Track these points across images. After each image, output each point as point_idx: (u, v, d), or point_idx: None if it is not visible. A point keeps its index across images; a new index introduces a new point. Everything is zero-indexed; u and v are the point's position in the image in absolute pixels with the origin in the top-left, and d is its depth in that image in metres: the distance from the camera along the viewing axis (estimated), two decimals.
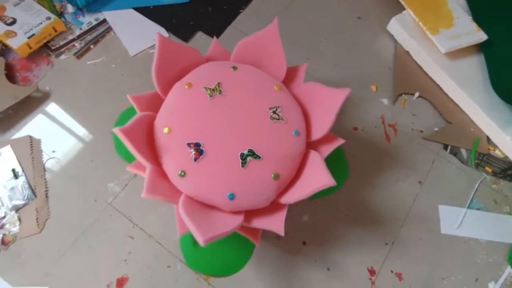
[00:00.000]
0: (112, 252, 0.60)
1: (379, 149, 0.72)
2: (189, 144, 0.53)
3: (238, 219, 0.52)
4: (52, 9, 0.77)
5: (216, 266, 0.60)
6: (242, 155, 0.53)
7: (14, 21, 0.72)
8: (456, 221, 0.68)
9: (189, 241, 0.61)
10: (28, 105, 0.69)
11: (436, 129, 0.75)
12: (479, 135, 0.75)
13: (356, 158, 0.71)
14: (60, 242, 0.60)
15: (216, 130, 0.55)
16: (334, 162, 0.70)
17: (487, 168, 0.73)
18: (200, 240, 0.45)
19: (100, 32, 0.77)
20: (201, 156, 0.53)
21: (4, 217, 0.60)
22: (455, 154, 0.74)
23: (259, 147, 0.54)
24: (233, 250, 0.61)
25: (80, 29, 0.77)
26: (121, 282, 0.58)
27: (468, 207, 0.69)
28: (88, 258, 0.59)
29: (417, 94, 0.78)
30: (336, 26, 0.85)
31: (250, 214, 0.54)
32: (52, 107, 0.70)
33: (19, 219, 0.60)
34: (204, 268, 0.60)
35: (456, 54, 0.76)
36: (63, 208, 0.62)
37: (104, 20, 0.79)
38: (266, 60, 0.63)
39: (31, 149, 0.65)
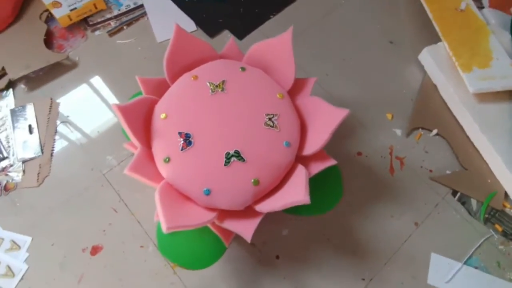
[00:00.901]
0: (95, 220, 0.63)
1: (379, 179, 0.69)
2: (180, 133, 0.55)
3: (210, 216, 0.52)
4: None
5: (185, 257, 0.61)
6: (227, 154, 0.54)
7: None
8: (448, 274, 0.62)
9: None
10: (57, 71, 0.75)
11: (448, 172, 0.70)
12: (496, 188, 0.68)
13: (353, 184, 0.68)
14: (53, 199, 0.64)
15: (209, 125, 0.56)
16: (329, 183, 0.68)
17: (497, 226, 0.66)
18: (164, 226, 0.46)
19: (135, 16, 0.82)
20: (188, 147, 0.54)
21: (11, 166, 0.66)
22: (463, 203, 0.68)
23: (246, 150, 0.54)
24: (205, 246, 0.62)
25: (119, 10, 0.83)
26: (95, 249, 0.61)
27: (465, 263, 0.63)
28: (73, 220, 0.63)
29: (435, 131, 0.73)
30: (365, 47, 0.83)
31: (224, 214, 0.55)
32: (76, 76, 0.76)
33: (23, 171, 0.65)
34: (173, 256, 0.61)
35: (485, 96, 0.71)
36: (63, 170, 0.67)
37: (141, 5, 0.84)
38: (276, 67, 0.63)
39: (49, 110, 0.71)
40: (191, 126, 0.56)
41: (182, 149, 0.54)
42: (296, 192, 0.50)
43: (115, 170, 0.67)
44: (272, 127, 0.56)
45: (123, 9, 0.83)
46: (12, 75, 0.71)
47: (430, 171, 0.70)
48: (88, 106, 0.73)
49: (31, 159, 0.66)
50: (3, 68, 0.72)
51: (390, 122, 0.75)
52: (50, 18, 0.80)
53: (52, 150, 0.68)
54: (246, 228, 0.52)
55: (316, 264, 0.61)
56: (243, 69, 0.62)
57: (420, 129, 0.74)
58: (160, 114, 0.57)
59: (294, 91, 0.63)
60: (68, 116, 0.71)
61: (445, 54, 0.76)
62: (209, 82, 0.59)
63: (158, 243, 0.62)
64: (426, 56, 0.77)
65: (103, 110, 0.73)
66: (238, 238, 0.63)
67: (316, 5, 0.88)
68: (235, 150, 0.54)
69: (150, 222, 0.63)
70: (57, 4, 0.78)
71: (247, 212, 0.54)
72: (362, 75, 0.79)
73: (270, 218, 0.64)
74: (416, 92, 0.78)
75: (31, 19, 0.78)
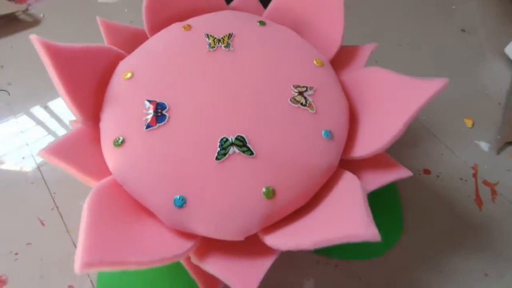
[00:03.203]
0: (7, 234, 0.40)
1: (459, 214, 0.44)
2: (149, 101, 0.33)
3: (181, 246, 0.28)
4: None
5: None
6: (223, 140, 0.31)
7: None
8: None
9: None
10: (11, 27, 0.56)
11: None
12: None
13: (418, 215, 0.43)
14: None
15: (198, 94, 0.34)
16: (382, 211, 0.43)
17: None
18: (77, 261, 0.23)
19: None
20: (158, 124, 0.32)
21: None
22: None
23: (256, 138, 0.31)
24: None
25: None
26: None
27: None
28: None
29: None
30: (428, 32, 0.61)
31: (207, 245, 0.31)
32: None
33: None
34: None
35: None
36: None
37: None
38: (314, 24, 0.42)
39: None
40: (169, 92, 0.34)
41: (147, 127, 0.32)
42: (348, 219, 0.26)
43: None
44: (305, 105, 0.34)
45: None
46: None
47: None
48: (40, 75, 0.52)
49: None
50: None
51: (470, 131, 0.51)
52: None
53: None
54: (245, 278, 0.28)
55: None
56: (262, 23, 0.41)
57: None
58: (123, 73, 0.36)
59: (340, 63, 0.41)
60: (9, 84, 0.51)
61: None
62: (207, 34, 0.38)
63: (98, 285, 0.37)
64: None
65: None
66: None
67: None
68: (238, 136, 0.31)
69: None
70: None
71: (249, 246, 0.30)
72: (424, 66, 0.57)
73: (286, 258, 0.39)
74: (505, 94, 0.55)
75: None
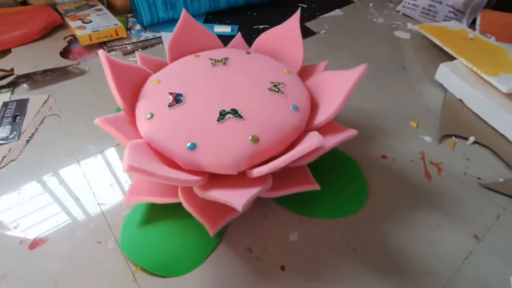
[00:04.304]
0: (48, 206, 0.49)
1: (414, 184, 0.54)
2: (170, 93, 0.48)
3: (191, 178, 0.39)
4: (125, 24, 0.92)
5: (154, 259, 0.44)
6: (222, 111, 0.45)
7: (89, 22, 0.87)
8: None
9: (134, 220, 0.48)
10: (64, 77, 0.75)
11: (501, 180, 0.55)
12: None
13: (380, 187, 0.54)
14: (15, 184, 0.53)
15: (205, 88, 0.49)
16: (351, 183, 0.54)
17: None
18: (124, 164, 0.34)
19: (152, 42, 0.87)
20: (177, 104, 0.46)
21: None
22: None
23: (245, 110, 0.45)
24: (182, 246, 0.45)
25: (138, 39, 0.88)
26: (36, 243, 0.45)
27: None
28: (28, 205, 0.50)
29: (472, 139, 0.62)
30: (379, 73, 0.81)
31: (211, 181, 0.42)
32: (81, 82, 0.74)
33: None
34: (138, 257, 0.44)
35: None
36: (34, 155, 0.57)
37: (160, 37, 0.89)
38: (284, 52, 0.60)
39: (42, 104, 0.66)
40: (185, 88, 0.49)
41: (169, 106, 0.46)
42: (306, 141, 0.38)
43: (92, 158, 0.57)
44: (278, 92, 0.49)
45: (142, 39, 0.89)
46: (17, 71, 0.70)
47: (478, 178, 0.56)
48: (83, 104, 0.69)
49: (4, 143, 0.58)
50: (12, 69, 0.72)
51: (415, 130, 0.65)
52: (73, 40, 0.86)
53: (30, 137, 0.60)
54: (236, 195, 0.38)
55: (337, 280, 0.42)
56: (248, 53, 0.59)
57: (453, 137, 0.63)
58: (152, 81, 0.52)
59: (305, 74, 0.58)
60: (60, 110, 0.66)
61: (464, 68, 0.71)
62: (210, 58, 0.56)
63: (122, 239, 0.46)
64: (445, 72, 0.73)
65: (98, 109, 0.68)
66: (229, 238, 0.46)
67: (324, 44, 0.91)
68: (232, 108, 0.45)
69: (117, 217, 0.49)
70: (82, 27, 0.85)
71: (242, 180, 0.41)
72: (378, 93, 0.74)
73: (274, 218, 0.49)
74: (440, 107, 0.70)
75: (55, 39, 0.84)
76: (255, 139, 0.42)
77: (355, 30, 0.98)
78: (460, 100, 0.70)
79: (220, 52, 0.58)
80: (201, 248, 0.45)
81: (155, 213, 0.49)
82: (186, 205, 0.44)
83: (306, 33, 0.95)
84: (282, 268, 0.43)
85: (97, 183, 0.53)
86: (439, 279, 0.43)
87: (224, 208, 0.45)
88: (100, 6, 0.95)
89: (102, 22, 0.87)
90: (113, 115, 0.46)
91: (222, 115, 0.44)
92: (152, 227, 0.47)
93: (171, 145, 0.42)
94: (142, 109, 0.47)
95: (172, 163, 0.42)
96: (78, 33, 0.82)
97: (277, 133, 0.43)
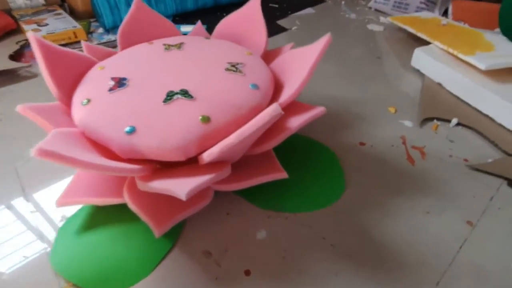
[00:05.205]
0: None
1: (396, 170, 0.49)
2: (112, 78, 0.42)
3: (129, 167, 0.33)
4: (87, 28, 0.86)
5: (90, 272, 0.36)
6: (170, 92, 0.39)
7: (46, 25, 0.81)
8: None
9: (71, 227, 0.40)
10: (13, 80, 0.68)
11: (489, 160, 0.50)
12: None
13: (358, 175, 0.48)
14: None
15: (155, 71, 0.43)
16: (325, 173, 0.48)
17: None
18: (35, 148, 0.28)
19: (114, 43, 0.82)
20: (119, 88, 0.40)
21: None
22: None
23: (197, 90, 0.40)
24: (125, 254, 0.38)
25: (99, 41, 0.83)
26: None
27: None
28: None
29: (455, 121, 0.57)
30: (353, 63, 0.77)
31: (159, 171, 0.35)
32: (30, 85, 0.67)
33: None
34: (70, 271, 0.36)
35: (502, 76, 0.58)
36: None
37: None
38: (247, 36, 0.55)
39: None
40: (131, 72, 0.43)
41: (110, 90, 0.40)
42: (260, 115, 0.33)
43: (31, 163, 0.50)
44: (236, 71, 0.43)
45: (104, 41, 0.84)
46: None
47: (465, 160, 0.51)
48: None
49: None
50: None
51: (394, 115, 0.60)
52: (27, 45, 0.80)
53: None
54: (182, 183, 0.32)
55: (313, 282, 0.35)
56: (207, 38, 0.54)
57: (434, 120, 0.59)
58: (97, 67, 0.46)
59: (269, 59, 0.53)
60: (2, 114, 0.59)
61: (440, 52, 0.68)
62: (164, 44, 0.51)
63: (53, 250, 0.38)
64: (421, 57, 0.69)
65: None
66: (185, 241, 0.39)
67: (296, 39, 0.88)
68: (182, 89, 0.40)
69: (50, 222, 0.41)
70: (37, 30, 0.79)
71: (195, 170, 0.35)
72: (354, 83, 0.70)
73: (239, 216, 0.42)
74: (419, 92, 0.66)
75: (7, 44, 0.78)
76: (206, 119, 0.36)
77: (328, 25, 0.96)
78: (439, 84, 0.66)
79: (177, 39, 0.53)
80: (150, 255, 0.38)
81: (98, 218, 0.41)
82: (129, 203, 0.37)
83: (277, 30, 0.92)
84: (247, 272, 0.36)
85: (34, 188, 0.46)
86: (433, 273, 0.37)
87: (175, 205, 0.38)
88: (60, 11, 0.90)
89: (60, 25, 0.82)
90: (44, 103, 0.39)
91: (170, 96, 0.39)
92: (91, 234, 0.39)
93: (106, 131, 0.35)
94: (78, 95, 0.41)
95: (112, 154, 0.36)
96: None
97: (231, 111, 0.37)
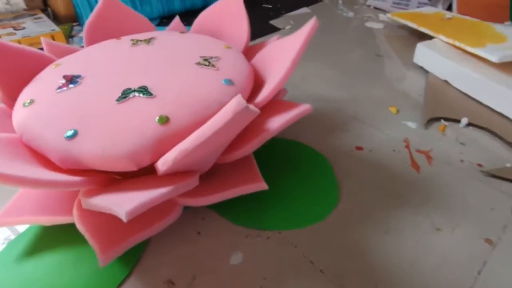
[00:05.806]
0: None
1: (398, 178, 0.42)
2: (65, 76, 0.36)
3: (71, 179, 0.27)
4: (68, 32, 0.82)
5: None
6: (126, 89, 0.33)
7: (23, 28, 0.77)
8: None
9: (10, 254, 0.34)
10: None
11: (508, 164, 0.43)
12: None
13: (354, 185, 0.41)
14: None
15: (114, 67, 0.38)
16: (314, 183, 0.41)
17: None
18: None
19: None
20: (69, 86, 0.34)
21: None
22: None
23: (159, 86, 0.34)
24: (71, 286, 0.31)
25: (80, 45, 0.79)
26: None
27: None
28: None
29: (465, 121, 0.51)
30: (350, 61, 0.71)
31: (115, 184, 0.29)
32: None
33: None
34: None
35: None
36: None
37: None
38: (228, 30, 0.49)
39: None
40: (87, 69, 0.38)
41: (58, 89, 0.34)
42: (222, 111, 0.26)
43: None
44: (208, 66, 0.37)
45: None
46: None
47: (479, 165, 0.44)
48: None
49: None
50: None
51: (396, 116, 0.53)
52: None
53: None
54: (127, 200, 0.25)
55: None
56: (182, 33, 0.49)
57: (441, 120, 0.52)
58: (52, 65, 0.40)
59: (252, 54, 0.47)
60: None
61: (445, 46, 0.62)
62: (132, 39, 0.45)
63: None
64: (424, 53, 0.63)
65: None
66: (144, 268, 0.33)
67: None
68: (141, 86, 0.34)
69: None
70: (12, 34, 0.75)
71: (156, 182, 0.28)
72: (349, 82, 0.64)
73: (211, 235, 0.36)
74: (423, 91, 0.60)
75: None
76: (164, 119, 0.30)
77: (324, 24, 0.90)
78: (445, 81, 0.60)
79: (148, 34, 0.48)
80: (100, 285, 0.31)
81: (45, 240, 0.35)
82: (76, 222, 0.31)
83: (269, 29, 0.87)
84: None
85: None
86: None
87: (132, 225, 0.32)
88: (40, 15, 0.86)
89: (37, 28, 0.78)
90: None
91: (125, 94, 0.33)
92: (34, 261, 0.33)
93: (44, 135, 0.29)
94: (23, 96, 0.35)
95: (54, 164, 0.30)
96: (6, 39, 0.72)
97: (197, 110, 0.31)
